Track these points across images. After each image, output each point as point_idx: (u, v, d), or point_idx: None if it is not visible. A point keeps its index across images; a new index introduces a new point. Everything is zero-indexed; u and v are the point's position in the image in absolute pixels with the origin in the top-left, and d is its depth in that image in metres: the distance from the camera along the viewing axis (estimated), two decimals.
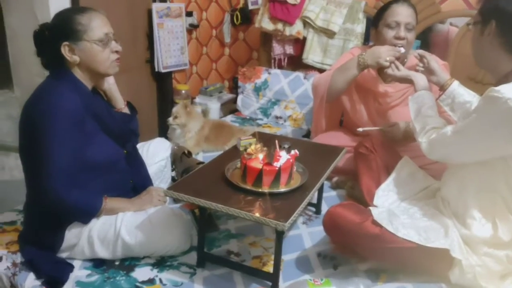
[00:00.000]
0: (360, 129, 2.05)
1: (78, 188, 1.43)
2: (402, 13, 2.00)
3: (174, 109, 2.57)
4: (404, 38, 1.99)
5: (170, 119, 2.54)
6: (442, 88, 1.71)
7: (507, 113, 1.19)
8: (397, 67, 1.86)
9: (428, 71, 1.79)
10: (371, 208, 1.48)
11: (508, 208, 1.33)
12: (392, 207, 1.58)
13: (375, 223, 1.39)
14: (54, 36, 1.45)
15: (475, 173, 1.37)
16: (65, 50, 1.44)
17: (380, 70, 2.10)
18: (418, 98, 1.65)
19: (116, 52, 1.53)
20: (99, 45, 1.47)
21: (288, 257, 1.60)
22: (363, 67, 2.01)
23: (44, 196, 1.40)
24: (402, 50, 1.97)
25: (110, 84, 1.69)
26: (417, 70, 1.83)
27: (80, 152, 1.43)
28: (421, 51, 1.89)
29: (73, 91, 1.45)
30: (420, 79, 1.73)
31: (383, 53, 1.93)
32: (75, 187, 1.42)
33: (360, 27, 2.90)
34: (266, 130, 2.89)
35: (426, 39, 2.82)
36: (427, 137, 1.49)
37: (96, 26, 1.46)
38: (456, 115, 1.65)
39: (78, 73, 1.50)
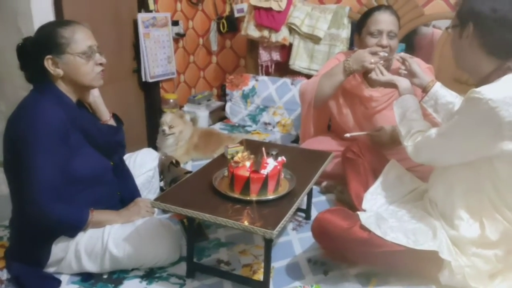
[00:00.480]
0: (348, 135, 2.05)
1: (64, 202, 1.42)
2: (384, 21, 2.02)
3: (169, 119, 2.54)
4: (387, 46, 2.01)
5: (166, 129, 2.51)
6: (425, 90, 1.72)
7: (488, 113, 1.20)
8: (381, 72, 1.87)
9: (410, 74, 1.80)
10: (359, 212, 1.48)
11: (495, 207, 1.34)
12: (380, 211, 1.58)
13: (363, 227, 1.39)
14: (37, 50, 1.44)
15: (461, 174, 1.38)
16: (48, 63, 1.43)
17: (365, 74, 2.12)
18: (403, 102, 1.66)
19: (101, 64, 1.53)
20: (82, 58, 1.46)
21: (278, 264, 1.60)
22: (349, 72, 2.03)
23: (30, 210, 1.38)
24: (385, 53, 1.99)
25: (95, 97, 1.67)
26: (400, 74, 1.84)
27: (66, 165, 1.42)
28: (402, 54, 1.90)
29: (57, 105, 1.44)
30: (404, 83, 1.74)
31: (367, 57, 1.95)
32: (61, 201, 1.41)
33: (345, 32, 2.92)
34: (255, 137, 2.90)
35: (411, 42, 2.85)
36: (413, 140, 1.50)
37: (79, 39, 1.46)
38: (440, 117, 1.67)
39: (62, 86, 1.49)
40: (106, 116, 1.70)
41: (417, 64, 1.82)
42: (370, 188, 1.73)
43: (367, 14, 2.09)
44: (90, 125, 1.58)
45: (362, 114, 2.18)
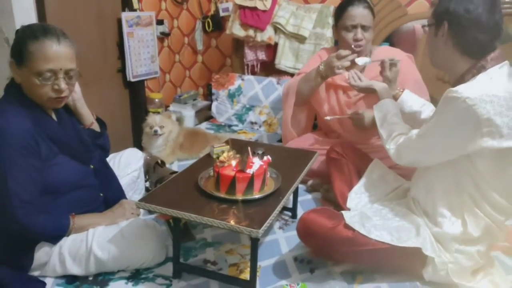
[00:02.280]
0: (328, 118, 2.10)
1: (43, 212, 1.39)
2: (358, 16, 2.07)
3: (158, 119, 2.53)
4: (361, 39, 2.07)
5: (158, 129, 2.49)
6: (394, 98, 1.77)
7: (467, 111, 1.23)
8: (359, 78, 1.89)
9: (385, 79, 1.86)
10: (343, 212, 1.49)
11: (475, 203, 1.36)
12: (364, 209, 1.60)
13: (347, 226, 1.40)
14: (11, 48, 1.37)
15: (441, 172, 1.40)
16: (12, 66, 1.37)
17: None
18: (383, 107, 1.68)
19: (57, 91, 1.38)
20: (37, 79, 1.34)
21: (265, 263, 1.60)
22: (324, 77, 2.09)
23: (8, 225, 1.36)
24: (354, 56, 2.00)
25: (74, 100, 1.60)
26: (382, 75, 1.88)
27: (39, 176, 1.37)
28: (386, 59, 1.89)
29: (23, 113, 1.36)
30: (382, 87, 1.78)
31: (335, 62, 1.99)
32: (39, 212, 1.38)
33: (329, 32, 2.94)
34: (242, 136, 2.90)
35: (392, 39, 2.87)
36: (394, 143, 1.52)
37: (41, 58, 1.32)
38: (408, 124, 1.69)
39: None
40: (88, 121, 1.65)
41: (395, 72, 1.87)
42: (354, 187, 1.75)
43: (342, 9, 2.12)
44: (63, 132, 1.49)
45: (345, 103, 2.21)
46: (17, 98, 1.39)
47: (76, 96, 1.61)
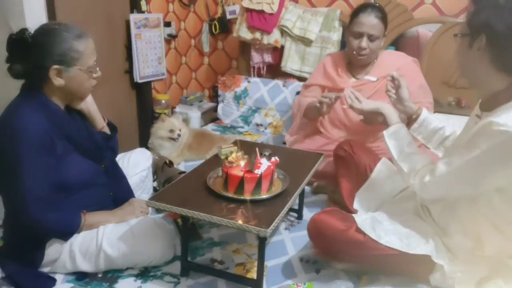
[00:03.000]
0: (344, 106, 1.95)
1: (55, 208, 1.42)
2: (366, 24, 2.06)
3: (177, 122, 2.55)
4: (365, 48, 2.07)
5: (179, 133, 2.50)
6: (411, 117, 1.64)
7: None
8: (357, 99, 1.73)
9: (398, 99, 1.68)
10: (354, 215, 1.49)
11: (493, 224, 1.33)
12: (375, 214, 1.56)
13: (359, 230, 1.40)
14: (44, 55, 1.37)
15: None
16: (52, 73, 1.39)
17: (348, 66, 2.25)
18: (396, 134, 1.53)
19: (98, 78, 1.52)
20: (88, 73, 1.46)
21: (271, 263, 1.62)
22: (323, 113, 2.09)
23: (21, 221, 1.39)
24: (333, 95, 1.98)
25: (87, 104, 1.64)
26: (388, 94, 1.72)
27: (53, 174, 1.40)
28: (395, 74, 1.70)
29: (41, 112, 1.40)
30: (391, 111, 1.61)
31: (321, 109, 2.00)
32: (52, 209, 1.40)
33: (336, 35, 2.96)
34: (247, 138, 2.92)
35: (397, 44, 2.89)
36: (420, 178, 1.39)
37: (89, 54, 1.45)
38: (431, 145, 1.64)
39: (51, 93, 1.45)
40: (100, 124, 1.69)
41: (407, 88, 1.67)
42: (361, 188, 1.75)
43: (354, 14, 2.13)
44: (77, 132, 1.54)
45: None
46: (34, 98, 1.42)
47: (89, 100, 1.65)
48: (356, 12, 2.11)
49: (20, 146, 1.34)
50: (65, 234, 1.48)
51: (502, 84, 1.26)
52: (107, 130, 1.71)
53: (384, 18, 2.10)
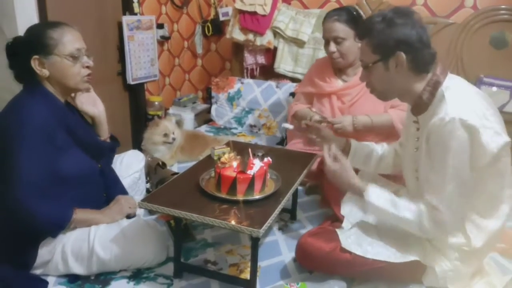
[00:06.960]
0: (303, 122, 1.89)
1: (49, 200, 1.42)
2: (328, 29, 2.10)
3: (170, 126, 2.54)
4: (334, 52, 2.11)
5: (174, 136, 2.50)
6: (344, 150, 1.68)
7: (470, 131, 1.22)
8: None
9: (324, 140, 1.74)
10: (338, 232, 1.48)
11: (479, 213, 1.35)
12: (360, 224, 1.56)
13: (344, 249, 1.41)
14: (26, 49, 1.45)
15: None
16: (35, 64, 1.44)
17: (336, 70, 2.26)
18: (373, 206, 1.41)
19: (87, 67, 1.53)
20: (69, 60, 1.47)
21: (265, 263, 1.62)
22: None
23: (13, 208, 1.38)
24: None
25: (100, 112, 1.69)
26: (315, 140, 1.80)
27: (52, 165, 1.42)
28: (317, 117, 1.92)
29: (44, 104, 1.45)
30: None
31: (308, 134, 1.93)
32: (45, 199, 1.40)
33: None
34: (241, 139, 2.92)
35: None
36: (429, 221, 1.32)
37: (67, 40, 1.46)
38: (370, 168, 1.69)
39: (50, 87, 1.50)
40: (105, 135, 1.72)
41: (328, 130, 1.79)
42: (346, 194, 1.68)
43: (323, 21, 2.16)
44: (78, 125, 1.59)
45: (339, 108, 2.23)
46: (37, 91, 1.47)
47: (101, 108, 1.71)
48: (323, 19, 2.15)
49: (24, 133, 1.38)
50: (55, 226, 1.45)
51: (421, 84, 1.36)
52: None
53: (352, 20, 2.08)
